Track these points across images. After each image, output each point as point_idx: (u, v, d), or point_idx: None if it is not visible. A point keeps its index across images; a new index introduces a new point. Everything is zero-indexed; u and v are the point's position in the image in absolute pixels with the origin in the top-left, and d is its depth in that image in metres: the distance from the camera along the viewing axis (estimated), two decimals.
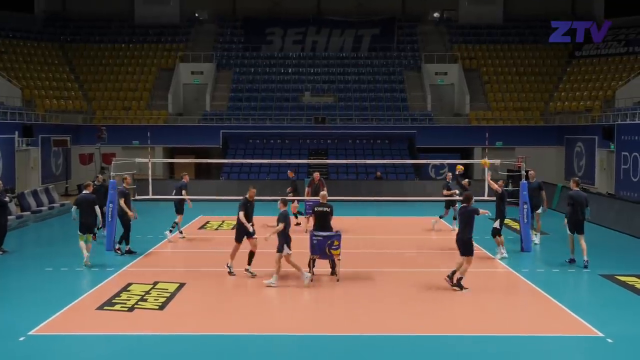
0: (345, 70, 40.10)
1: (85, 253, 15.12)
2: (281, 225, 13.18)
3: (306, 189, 20.67)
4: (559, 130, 35.19)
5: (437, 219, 20.75)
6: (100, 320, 11.22)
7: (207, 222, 21.41)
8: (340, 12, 41.74)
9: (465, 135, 35.12)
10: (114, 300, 12.24)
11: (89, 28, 41.16)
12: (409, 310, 11.98)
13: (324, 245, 13.72)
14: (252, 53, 41.12)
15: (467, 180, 19.89)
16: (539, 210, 18.07)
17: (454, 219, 19.75)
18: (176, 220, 18.76)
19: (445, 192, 19.93)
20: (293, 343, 10.28)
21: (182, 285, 13.46)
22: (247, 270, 14.13)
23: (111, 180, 17.50)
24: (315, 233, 13.84)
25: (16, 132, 28.47)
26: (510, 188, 21.93)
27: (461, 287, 13.07)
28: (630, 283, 13.89)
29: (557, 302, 12.35)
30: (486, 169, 18.10)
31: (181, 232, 19.08)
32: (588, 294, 13.63)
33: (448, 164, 23.38)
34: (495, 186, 16.59)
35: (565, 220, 15.52)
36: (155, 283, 13.55)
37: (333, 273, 14.21)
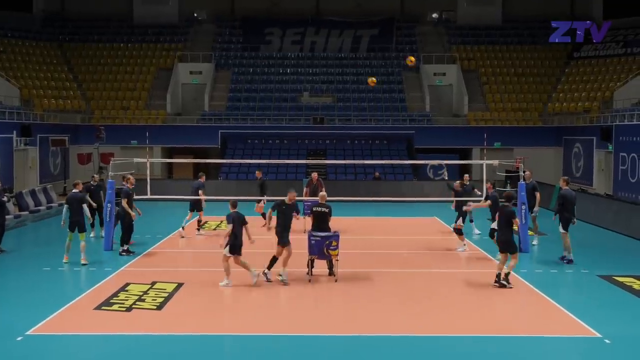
0: (343, 71, 40.10)
1: (66, 255, 15.36)
2: (230, 227, 13.13)
3: (304, 189, 20.61)
4: (557, 131, 35.21)
5: (464, 242, 17.72)
6: (98, 320, 11.21)
7: (206, 222, 21.39)
8: (339, 13, 41.76)
9: (463, 136, 35.17)
10: (111, 300, 12.24)
11: (87, 28, 41.17)
12: (408, 311, 11.98)
13: (322, 246, 13.72)
14: (250, 53, 41.12)
15: (467, 175, 19.92)
16: (533, 213, 18.10)
17: (471, 221, 19.78)
18: (198, 218, 19.76)
19: (472, 205, 17.30)
20: (291, 343, 10.26)
21: (180, 285, 13.46)
22: (264, 273, 13.78)
23: (109, 180, 17.49)
24: (313, 233, 13.85)
25: (14, 132, 28.45)
26: (508, 189, 21.95)
27: (508, 283, 13.38)
28: (628, 284, 13.92)
29: (555, 303, 12.37)
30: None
31: (183, 229, 19.42)
32: (586, 294, 13.62)
33: (446, 164, 23.31)
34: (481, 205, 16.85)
35: (555, 216, 15.88)
36: (153, 283, 13.55)
37: (331, 273, 14.21)
